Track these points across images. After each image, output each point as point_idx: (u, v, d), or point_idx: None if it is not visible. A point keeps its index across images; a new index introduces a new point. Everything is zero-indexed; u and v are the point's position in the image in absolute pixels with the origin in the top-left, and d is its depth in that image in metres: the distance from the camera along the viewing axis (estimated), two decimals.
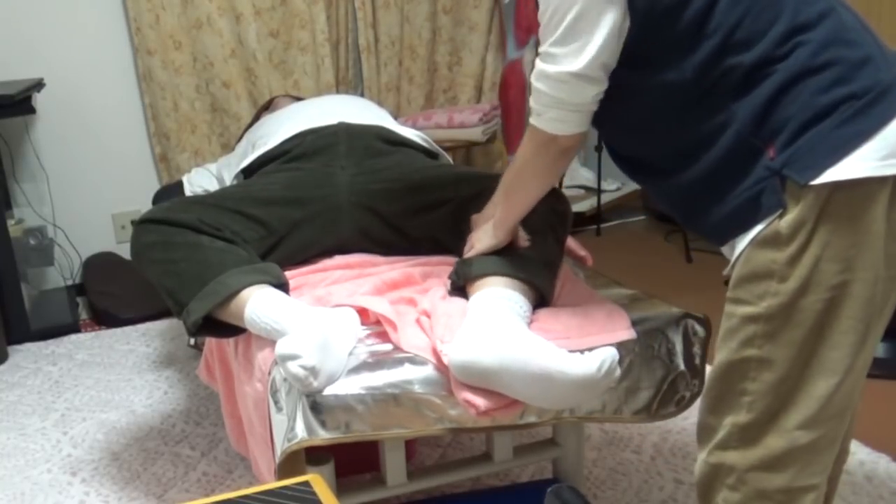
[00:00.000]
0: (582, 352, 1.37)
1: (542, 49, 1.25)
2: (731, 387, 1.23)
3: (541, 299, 1.54)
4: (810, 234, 1.13)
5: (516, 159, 1.39)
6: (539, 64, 1.26)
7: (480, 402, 1.35)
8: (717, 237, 1.27)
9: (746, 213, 1.18)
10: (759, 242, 1.17)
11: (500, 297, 1.43)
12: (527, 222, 1.56)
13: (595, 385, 1.32)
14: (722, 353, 1.24)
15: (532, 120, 1.31)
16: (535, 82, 1.28)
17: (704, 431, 1.29)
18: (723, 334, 1.25)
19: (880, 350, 2.41)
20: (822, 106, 1.13)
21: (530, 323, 1.46)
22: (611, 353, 1.32)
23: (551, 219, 1.61)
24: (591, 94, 1.25)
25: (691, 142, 1.22)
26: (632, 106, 1.27)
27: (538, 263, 1.54)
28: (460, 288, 1.55)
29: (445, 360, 1.37)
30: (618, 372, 1.35)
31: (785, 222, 1.14)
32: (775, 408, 1.20)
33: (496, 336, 1.33)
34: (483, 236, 1.54)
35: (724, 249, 1.27)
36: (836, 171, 1.11)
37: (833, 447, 1.23)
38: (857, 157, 1.11)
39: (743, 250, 1.20)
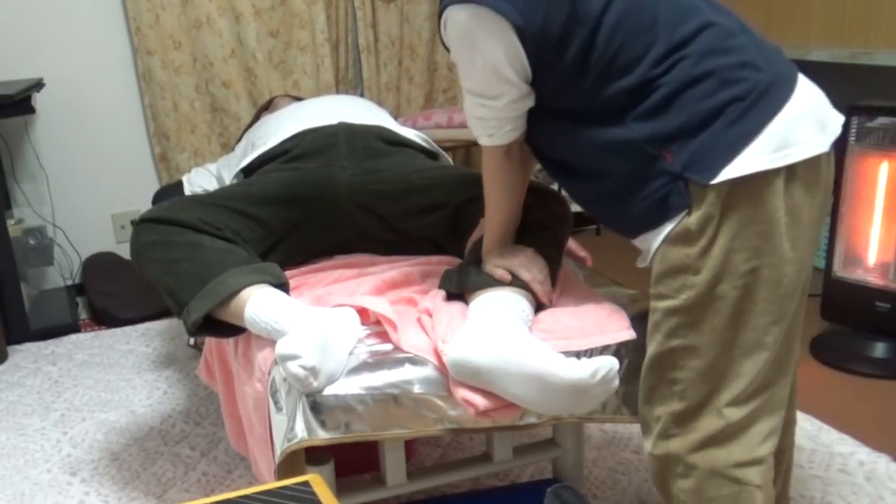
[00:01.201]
0: (579, 355, 1.37)
1: (466, 88, 1.34)
2: (662, 377, 1.33)
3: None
4: (717, 228, 1.24)
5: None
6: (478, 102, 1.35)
7: (479, 401, 1.35)
8: (628, 233, 1.38)
9: (655, 215, 1.29)
10: (672, 240, 1.27)
11: (501, 299, 1.43)
12: (526, 223, 1.56)
13: (587, 391, 1.31)
14: (650, 346, 1.34)
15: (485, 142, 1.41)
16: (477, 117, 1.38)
17: (645, 424, 1.39)
18: (650, 328, 1.35)
19: (880, 350, 2.41)
20: (708, 110, 1.23)
21: (531, 325, 1.46)
22: (609, 362, 1.31)
23: (550, 220, 1.61)
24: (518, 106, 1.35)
25: (598, 152, 1.31)
26: (546, 123, 1.36)
27: None
28: (457, 295, 1.55)
29: (445, 359, 1.37)
30: (616, 383, 1.33)
31: (693, 219, 1.25)
32: (706, 391, 1.30)
33: (493, 336, 1.33)
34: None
35: (636, 241, 1.38)
36: (732, 169, 1.22)
37: (771, 418, 1.32)
38: (750, 154, 1.22)
39: (658, 248, 1.30)
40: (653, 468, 1.39)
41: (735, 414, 1.29)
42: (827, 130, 1.27)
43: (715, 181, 1.22)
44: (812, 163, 1.25)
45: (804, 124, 1.24)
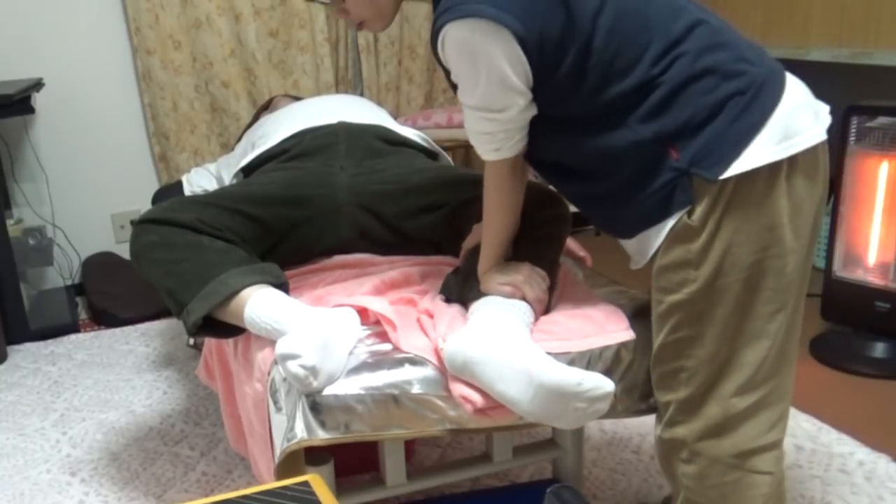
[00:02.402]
0: (577, 362, 1.35)
1: (469, 105, 1.31)
2: (668, 367, 1.36)
3: None
4: (719, 222, 1.25)
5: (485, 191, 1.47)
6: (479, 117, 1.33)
7: (477, 398, 1.34)
8: (626, 233, 1.38)
9: (658, 212, 1.30)
10: (675, 236, 1.29)
11: (503, 302, 1.43)
12: (525, 225, 1.56)
13: (569, 400, 1.29)
14: (656, 337, 1.37)
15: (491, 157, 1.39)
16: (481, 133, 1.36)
17: (658, 411, 1.43)
18: (655, 319, 1.37)
19: (880, 350, 2.41)
20: (711, 105, 1.24)
21: (532, 327, 1.46)
22: (598, 381, 1.29)
23: (549, 221, 1.61)
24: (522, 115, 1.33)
25: (601, 156, 1.31)
26: (546, 130, 1.36)
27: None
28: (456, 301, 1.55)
29: (443, 355, 1.37)
30: (603, 405, 1.31)
31: (695, 214, 1.26)
32: (710, 380, 1.32)
33: (489, 332, 1.33)
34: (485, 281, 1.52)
35: (633, 241, 1.38)
36: (741, 163, 1.23)
37: (777, 406, 1.34)
38: (756, 147, 1.23)
39: (661, 244, 1.31)
40: (660, 452, 1.43)
41: (740, 403, 1.32)
42: (820, 119, 1.30)
43: (724, 176, 1.23)
44: (812, 152, 1.27)
45: (802, 114, 1.27)
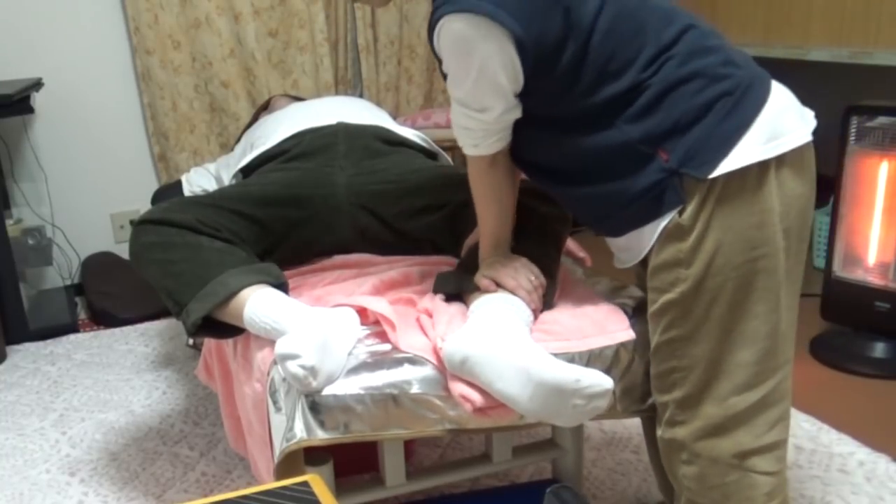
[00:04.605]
0: (580, 361, 1.35)
1: (457, 98, 1.32)
2: (664, 366, 1.36)
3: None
4: (708, 221, 1.26)
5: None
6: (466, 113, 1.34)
7: (476, 397, 1.34)
8: (614, 231, 1.40)
9: (648, 212, 1.30)
10: (667, 236, 1.30)
11: (502, 300, 1.43)
12: (525, 223, 1.56)
13: (568, 398, 1.28)
14: (652, 337, 1.38)
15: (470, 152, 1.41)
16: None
17: (658, 411, 1.43)
18: (650, 319, 1.38)
19: (880, 350, 2.41)
20: (699, 106, 1.25)
21: (531, 326, 1.46)
22: (597, 378, 1.28)
23: (549, 220, 1.61)
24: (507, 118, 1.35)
25: (589, 156, 1.32)
26: (534, 131, 1.36)
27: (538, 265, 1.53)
28: (455, 296, 1.55)
29: (442, 354, 1.36)
30: (602, 402, 1.30)
31: (686, 214, 1.27)
32: (705, 380, 1.33)
33: (489, 330, 1.34)
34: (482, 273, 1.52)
35: (621, 240, 1.39)
36: (729, 162, 1.24)
37: (777, 406, 1.34)
38: (744, 146, 1.25)
39: (654, 244, 1.32)
40: (661, 449, 1.43)
41: (740, 403, 1.32)
42: (806, 121, 1.32)
43: (713, 174, 1.24)
44: (799, 152, 1.29)
45: (788, 115, 1.29)
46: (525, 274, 1.47)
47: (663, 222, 1.29)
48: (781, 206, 1.27)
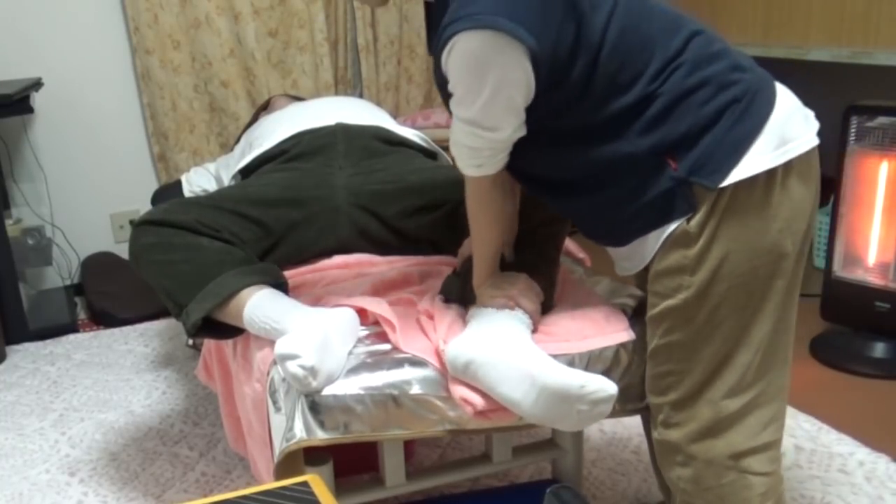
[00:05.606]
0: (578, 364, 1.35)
1: (462, 117, 1.26)
2: (661, 369, 1.36)
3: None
4: (716, 229, 1.26)
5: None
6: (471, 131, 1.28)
7: (478, 400, 1.34)
8: (618, 241, 1.38)
9: (655, 221, 1.30)
10: (672, 242, 1.29)
11: (503, 306, 1.43)
12: (524, 225, 1.55)
13: (572, 403, 1.28)
14: (651, 340, 1.37)
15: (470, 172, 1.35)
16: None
17: (652, 412, 1.42)
18: (649, 322, 1.37)
19: (880, 350, 2.41)
20: (709, 114, 1.24)
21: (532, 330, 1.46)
22: (601, 384, 1.28)
23: (548, 221, 1.60)
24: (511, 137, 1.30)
25: (596, 168, 1.31)
26: (539, 144, 1.33)
27: (538, 271, 1.53)
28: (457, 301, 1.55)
29: (445, 357, 1.36)
30: (606, 407, 1.30)
31: (693, 222, 1.26)
32: (701, 383, 1.32)
33: (492, 334, 1.33)
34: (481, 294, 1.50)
35: (624, 249, 1.37)
36: (740, 170, 1.24)
37: (770, 406, 1.34)
38: (754, 153, 1.24)
39: (658, 250, 1.31)
40: (657, 453, 1.43)
41: (732, 404, 1.32)
42: (810, 124, 1.31)
43: (724, 184, 1.23)
44: (806, 157, 1.28)
45: (794, 119, 1.28)
46: (533, 298, 1.45)
47: (669, 229, 1.29)
48: (788, 211, 1.27)
